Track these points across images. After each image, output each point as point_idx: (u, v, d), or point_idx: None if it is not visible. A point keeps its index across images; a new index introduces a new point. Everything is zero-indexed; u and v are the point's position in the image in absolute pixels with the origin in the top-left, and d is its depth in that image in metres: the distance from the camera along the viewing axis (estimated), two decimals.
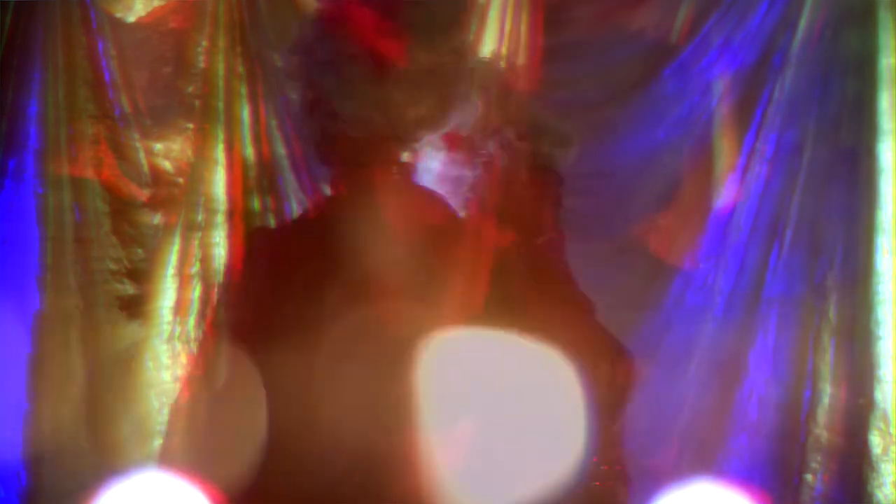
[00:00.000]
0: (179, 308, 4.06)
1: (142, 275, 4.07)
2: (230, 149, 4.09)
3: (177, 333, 4.04)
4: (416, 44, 2.80)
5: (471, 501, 2.77)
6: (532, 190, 3.12)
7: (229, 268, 3.04)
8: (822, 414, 4.01)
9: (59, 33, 4.04)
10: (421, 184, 2.96)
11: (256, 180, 4.12)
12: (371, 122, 2.81)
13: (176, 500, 2.77)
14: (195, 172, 4.10)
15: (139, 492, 2.81)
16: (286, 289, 2.80)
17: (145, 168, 4.07)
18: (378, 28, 2.79)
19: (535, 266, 3.05)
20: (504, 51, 4.17)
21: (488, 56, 3.42)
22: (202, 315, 4.00)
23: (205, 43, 4.12)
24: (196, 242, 4.08)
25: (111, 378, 3.99)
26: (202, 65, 4.12)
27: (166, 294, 4.07)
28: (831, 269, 4.05)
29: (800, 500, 3.96)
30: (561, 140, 3.25)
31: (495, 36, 4.18)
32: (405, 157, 2.88)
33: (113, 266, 4.07)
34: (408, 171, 2.89)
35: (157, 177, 4.09)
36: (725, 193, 4.14)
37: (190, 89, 4.12)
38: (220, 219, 4.08)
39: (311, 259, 2.80)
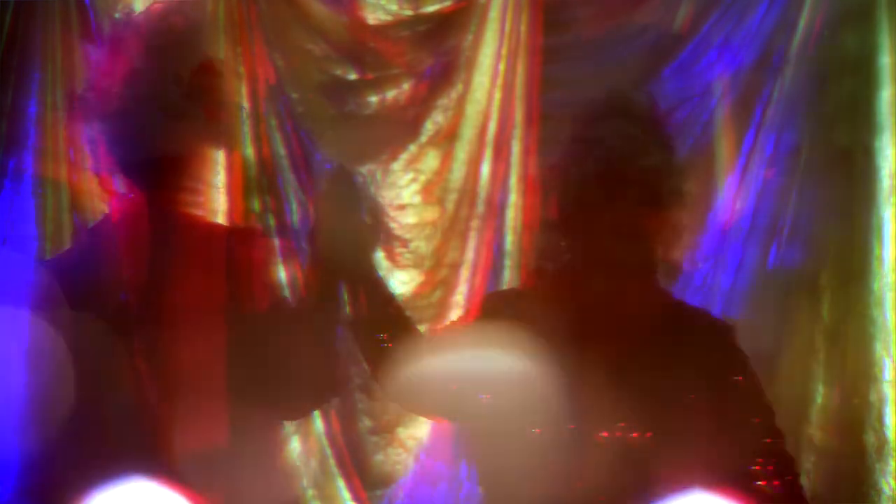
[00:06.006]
0: None
1: None
2: (230, 149, 4.09)
3: None
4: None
5: None
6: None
7: None
8: (816, 413, 4.02)
9: (58, 33, 4.04)
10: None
11: (256, 180, 4.13)
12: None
13: None
14: None
15: (126, 499, 2.85)
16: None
17: None
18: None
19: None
20: (504, 51, 4.17)
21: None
22: None
23: None
24: None
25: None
26: None
27: None
28: (827, 268, 4.07)
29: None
30: None
31: (495, 36, 4.18)
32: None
33: None
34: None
35: None
36: (724, 193, 4.15)
37: None
38: (220, 219, 4.08)
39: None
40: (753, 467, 2.92)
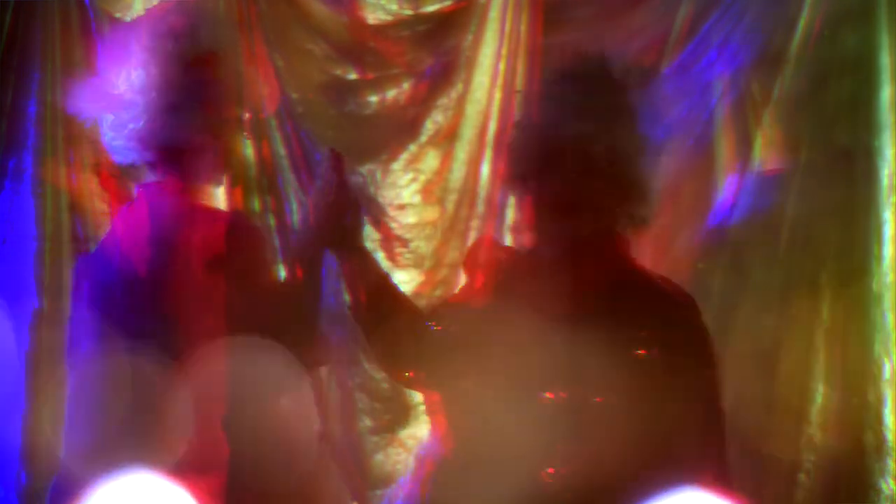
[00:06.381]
0: None
1: None
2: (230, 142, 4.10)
3: None
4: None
5: None
6: None
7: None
8: (816, 413, 4.02)
9: (58, 33, 4.05)
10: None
11: (256, 180, 4.14)
12: None
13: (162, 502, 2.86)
14: None
15: (127, 493, 2.87)
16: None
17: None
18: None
19: None
20: (504, 51, 4.17)
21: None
22: None
23: None
24: None
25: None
26: None
27: None
28: (827, 268, 4.07)
29: (793, 500, 3.99)
30: None
31: (495, 36, 4.18)
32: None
33: None
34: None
35: None
36: (724, 193, 4.15)
37: None
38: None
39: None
40: (687, 439, 2.90)
